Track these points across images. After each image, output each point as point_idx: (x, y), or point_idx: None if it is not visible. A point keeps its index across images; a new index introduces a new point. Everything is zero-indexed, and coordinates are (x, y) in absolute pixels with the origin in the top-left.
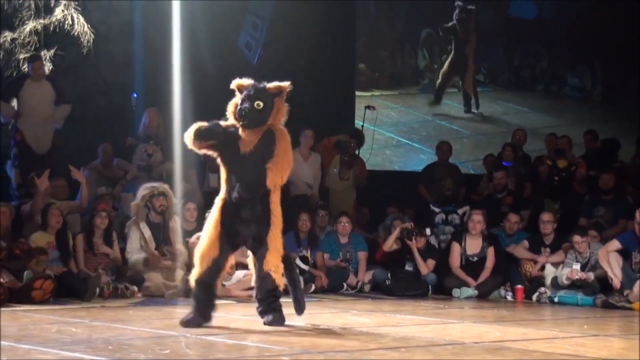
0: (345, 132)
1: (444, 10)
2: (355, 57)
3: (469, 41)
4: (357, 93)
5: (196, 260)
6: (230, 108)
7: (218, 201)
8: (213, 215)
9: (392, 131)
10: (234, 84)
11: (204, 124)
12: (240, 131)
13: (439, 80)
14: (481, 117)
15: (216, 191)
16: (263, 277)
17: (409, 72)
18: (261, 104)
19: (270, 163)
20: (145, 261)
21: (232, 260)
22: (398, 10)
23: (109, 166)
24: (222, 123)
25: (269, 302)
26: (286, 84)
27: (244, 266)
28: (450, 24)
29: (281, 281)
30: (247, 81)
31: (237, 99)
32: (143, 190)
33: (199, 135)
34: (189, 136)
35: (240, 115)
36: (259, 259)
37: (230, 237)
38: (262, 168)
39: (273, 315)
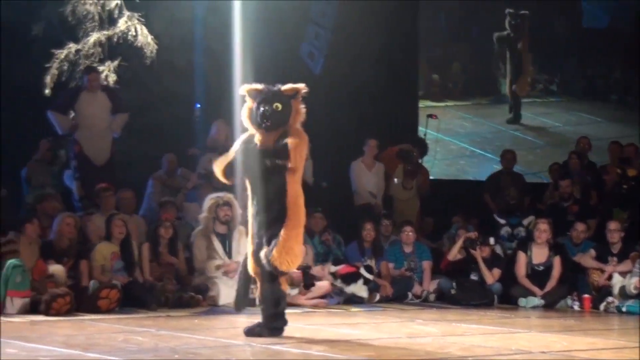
0: (408, 141)
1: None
2: (418, 66)
3: (524, 48)
4: (430, 103)
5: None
6: (245, 113)
7: (250, 217)
8: (249, 232)
9: (466, 141)
10: (243, 89)
11: (226, 159)
12: (257, 136)
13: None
14: (554, 127)
15: None
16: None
17: (482, 82)
18: (280, 105)
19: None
20: (218, 266)
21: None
22: (470, 22)
23: (173, 176)
24: (241, 138)
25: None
26: (301, 85)
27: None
28: (505, 32)
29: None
30: (259, 85)
31: (250, 103)
32: (209, 200)
33: (227, 174)
34: (219, 176)
35: (262, 117)
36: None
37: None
38: (281, 174)
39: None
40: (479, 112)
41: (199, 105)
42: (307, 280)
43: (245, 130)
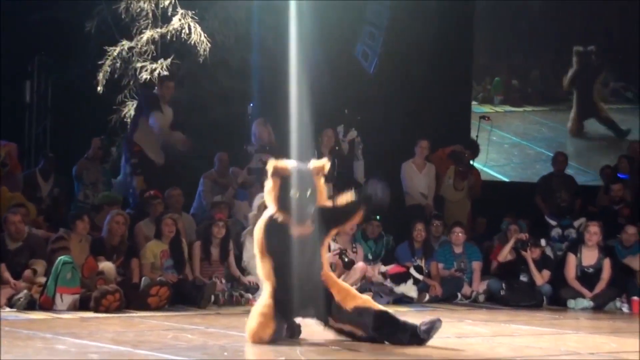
0: (460, 142)
1: (593, 29)
2: (472, 67)
3: (594, 85)
4: (510, 108)
5: None
6: (270, 197)
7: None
8: None
9: (542, 146)
10: (271, 167)
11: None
12: (281, 217)
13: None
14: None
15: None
16: None
17: (560, 89)
18: (310, 190)
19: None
20: None
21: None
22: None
23: (224, 175)
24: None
25: None
26: (325, 161)
27: None
28: (569, 73)
29: None
30: (286, 164)
31: (274, 185)
32: (258, 199)
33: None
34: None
35: (300, 212)
36: None
37: None
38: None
39: None
40: (557, 117)
41: (252, 104)
42: (346, 261)
43: None
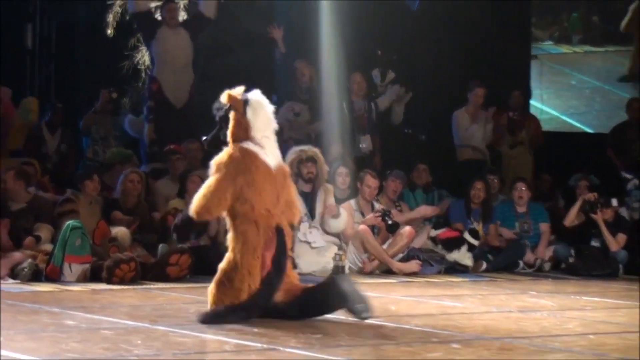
0: (518, 88)
1: None
2: (531, 2)
3: None
4: (590, 48)
5: None
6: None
7: None
8: None
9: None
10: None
11: None
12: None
13: None
14: None
15: (368, 156)
16: None
17: None
18: None
19: None
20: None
21: None
22: None
23: None
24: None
25: None
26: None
27: None
28: None
29: None
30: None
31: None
32: (290, 155)
33: None
34: None
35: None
36: None
37: None
38: None
39: None
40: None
41: (279, 48)
42: (390, 224)
43: None
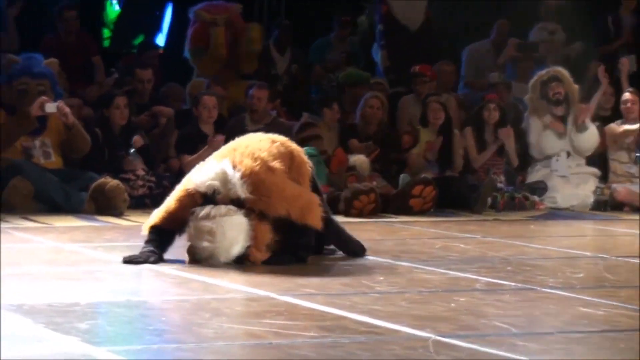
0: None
1: None
2: None
3: None
4: None
5: None
6: None
7: None
8: None
9: None
10: None
11: None
12: None
13: None
14: None
15: None
16: None
17: None
18: None
19: None
20: None
21: None
22: None
23: (502, 47)
24: None
25: None
26: None
27: None
28: None
29: None
30: None
31: None
32: (535, 77)
33: None
34: None
35: None
36: None
37: None
38: None
39: None
40: None
41: None
42: None
43: None
